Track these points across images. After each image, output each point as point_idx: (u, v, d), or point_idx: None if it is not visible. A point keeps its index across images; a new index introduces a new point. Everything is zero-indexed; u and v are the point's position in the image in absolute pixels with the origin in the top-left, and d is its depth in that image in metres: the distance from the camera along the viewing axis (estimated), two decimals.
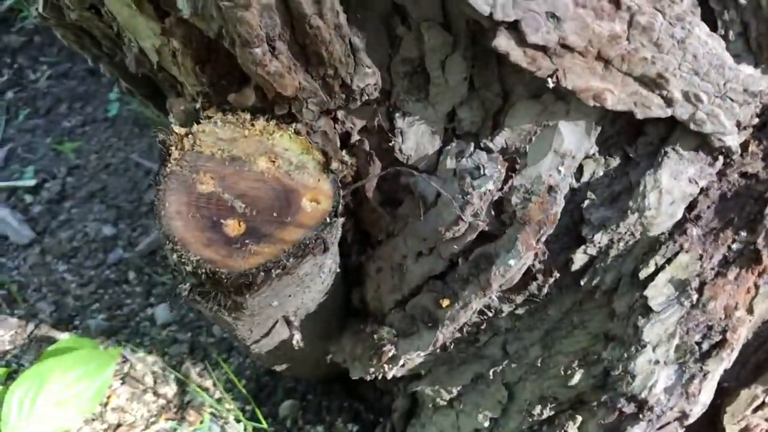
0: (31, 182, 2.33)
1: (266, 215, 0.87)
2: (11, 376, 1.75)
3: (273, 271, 0.85)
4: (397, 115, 0.95)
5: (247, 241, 0.85)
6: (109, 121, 2.57)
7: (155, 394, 1.69)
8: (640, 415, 0.86)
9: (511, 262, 0.87)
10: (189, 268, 0.84)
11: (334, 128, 0.97)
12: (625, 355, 0.86)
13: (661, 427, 0.86)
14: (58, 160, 2.43)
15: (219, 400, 1.65)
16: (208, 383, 1.69)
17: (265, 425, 1.56)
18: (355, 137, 1.00)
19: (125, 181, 2.33)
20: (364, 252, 1.16)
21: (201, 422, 1.59)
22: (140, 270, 2.03)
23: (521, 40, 0.76)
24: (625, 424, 0.86)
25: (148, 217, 2.19)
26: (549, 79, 0.80)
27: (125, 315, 1.91)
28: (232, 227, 0.86)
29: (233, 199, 0.88)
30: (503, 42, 0.77)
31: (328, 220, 0.87)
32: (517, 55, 0.78)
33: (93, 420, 1.64)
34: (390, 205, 1.07)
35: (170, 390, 1.70)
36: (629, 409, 0.86)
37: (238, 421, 1.58)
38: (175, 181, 0.88)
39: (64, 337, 1.85)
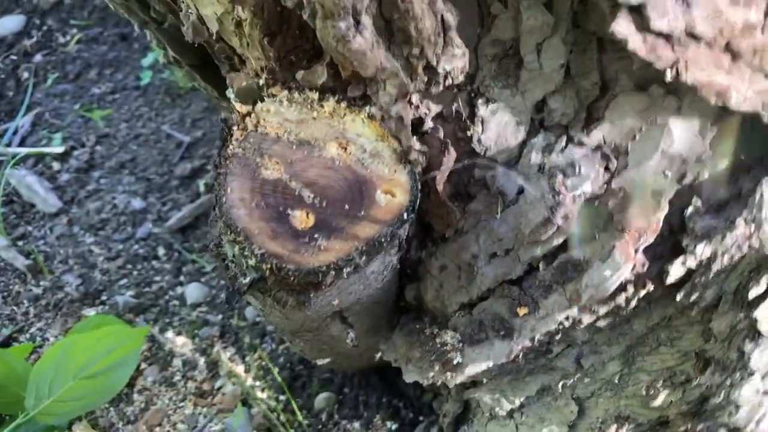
0: (59, 149, 2.26)
1: (337, 207, 0.79)
2: (36, 351, 1.70)
3: (344, 269, 0.77)
4: (479, 101, 0.86)
5: (316, 236, 0.77)
6: (140, 89, 2.49)
7: (184, 377, 1.63)
8: None
9: (607, 273, 0.78)
10: (252, 262, 0.77)
11: (410, 113, 0.88)
12: (728, 381, 0.78)
13: None
14: (87, 127, 2.36)
15: (251, 388, 1.58)
16: (240, 369, 1.63)
17: (300, 417, 1.49)
18: (429, 124, 0.92)
19: (156, 152, 2.26)
20: (424, 247, 1.08)
21: (233, 409, 1.52)
22: (170, 246, 1.97)
23: (644, 26, 0.67)
24: None
25: (178, 192, 2.12)
26: (668, 71, 0.71)
27: (154, 293, 1.85)
28: (300, 219, 0.78)
29: (301, 188, 0.80)
30: (623, 26, 0.68)
31: (404, 216, 0.79)
32: (636, 42, 0.69)
33: (119, 402, 1.58)
34: (460, 200, 0.98)
35: (200, 374, 1.63)
36: None
37: (271, 410, 1.51)
38: (238, 164, 0.80)
39: (90, 312, 1.79)
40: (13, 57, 2.64)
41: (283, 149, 0.82)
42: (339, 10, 0.71)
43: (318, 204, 0.79)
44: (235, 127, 0.83)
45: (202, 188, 2.10)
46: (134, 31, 2.72)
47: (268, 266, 0.76)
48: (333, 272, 0.76)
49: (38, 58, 2.64)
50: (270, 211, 0.78)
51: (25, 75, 2.57)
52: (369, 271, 0.85)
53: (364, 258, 0.77)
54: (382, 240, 0.78)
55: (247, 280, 0.81)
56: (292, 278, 0.76)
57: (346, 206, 0.79)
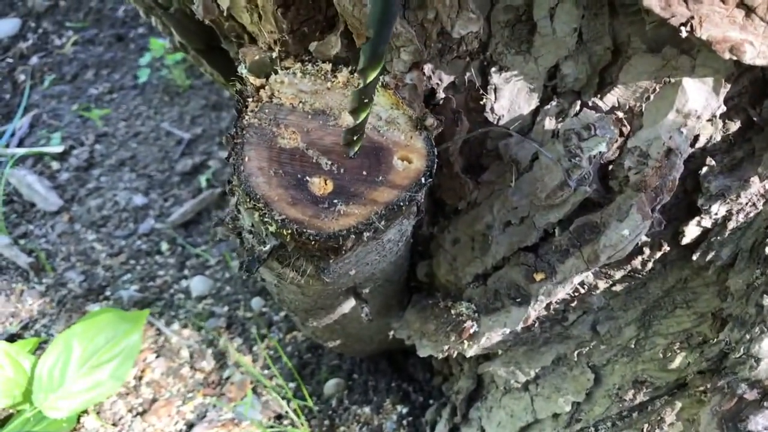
0: (59, 148, 2.25)
1: (355, 173, 0.79)
2: (41, 347, 1.69)
3: (364, 233, 0.77)
4: (492, 69, 0.87)
5: (335, 201, 0.77)
6: (137, 88, 2.49)
7: (192, 368, 1.63)
8: (765, 403, 0.78)
9: (626, 231, 0.79)
10: (272, 229, 0.77)
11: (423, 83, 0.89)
12: (748, 336, 0.79)
13: None
14: (85, 127, 2.36)
15: (260, 376, 1.58)
16: (248, 359, 1.62)
17: (310, 403, 1.49)
18: (441, 95, 0.92)
19: (156, 150, 2.25)
20: (436, 223, 1.08)
21: (242, 398, 1.52)
22: (173, 241, 1.96)
23: None
24: (747, 412, 0.78)
25: (180, 187, 2.12)
26: (683, 28, 0.71)
27: (158, 287, 1.84)
28: (318, 186, 0.78)
29: (318, 156, 0.80)
30: None
31: (422, 180, 0.79)
32: (651, 0, 0.70)
33: (127, 394, 1.58)
34: (472, 172, 0.99)
35: (208, 365, 1.63)
36: (752, 395, 0.78)
37: (283, 398, 1.51)
38: (254, 134, 0.80)
39: (94, 307, 1.79)
40: (9, 60, 2.64)
41: (298, 119, 0.82)
42: None
43: (336, 171, 0.79)
44: (249, 99, 0.84)
45: (203, 184, 2.10)
46: (130, 31, 2.73)
47: (289, 232, 0.76)
48: (353, 236, 0.76)
49: (34, 60, 2.63)
50: (288, 179, 0.78)
51: (22, 77, 2.57)
52: (386, 239, 0.85)
53: (383, 222, 0.77)
54: (401, 204, 0.78)
55: (267, 247, 0.81)
56: (312, 243, 0.76)
57: (364, 172, 0.79)
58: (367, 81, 0.66)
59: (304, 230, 0.76)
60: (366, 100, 0.70)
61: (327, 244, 0.78)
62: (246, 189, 0.77)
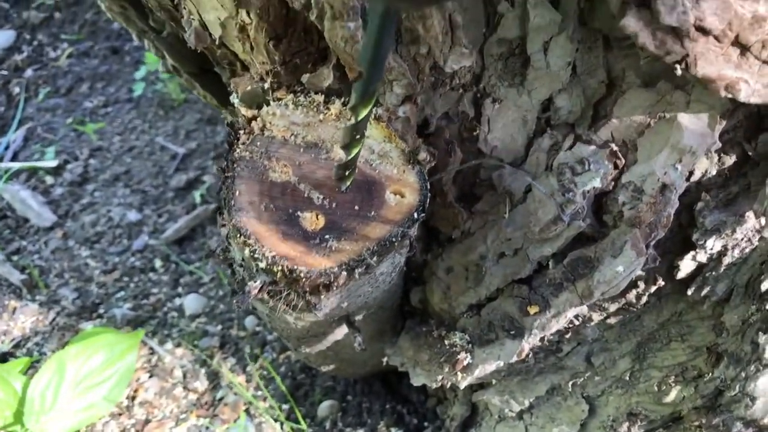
0: (53, 163, 2.24)
1: (347, 208, 0.79)
2: (34, 366, 1.68)
3: (356, 270, 0.76)
4: (486, 101, 0.87)
5: (327, 237, 0.76)
6: (132, 102, 2.48)
7: (185, 388, 1.61)
8: None
9: (620, 268, 0.78)
10: (262, 265, 0.76)
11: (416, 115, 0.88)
12: (743, 374, 0.78)
13: None
14: (80, 141, 2.35)
15: (253, 398, 1.56)
16: (241, 379, 1.61)
17: (304, 425, 1.48)
18: (434, 125, 0.92)
19: (150, 164, 2.24)
20: (429, 250, 1.07)
21: (235, 420, 1.51)
22: (167, 258, 1.95)
23: (653, 21, 0.68)
24: None
25: (174, 203, 2.11)
26: (677, 66, 0.71)
27: (152, 305, 1.83)
28: (310, 220, 0.77)
29: (310, 190, 0.79)
30: (632, 22, 0.68)
31: (415, 216, 0.79)
32: (645, 38, 0.69)
33: (120, 415, 1.56)
34: (465, 201, 0.98)
35: (201, 385, 1.62)
36: None
37: (275, 420, 1.50)
38: (246, 168, 0.80)
39: (87, 325, 1.77)
40: (4, 72, 2.63)
41: (290, 152, 0.81)
42: (348, 10, 0.71)
43: (327, 205, 0.78)
44: (241, 131, 0.83)
45: (198, 199, 2.09)
46: (125, 44, 2.72)
47: (280, 268, 0.75)
48: (345, 273, 0.76)
49: (29, 72, 2.62)
50: (279, 214, 0.77)
51: (17, 90, 2.56)
52: (378, 272, 0.85)
53: (375, 258, 0.77)
54: (393, 240, 0.77)
55: (257, 282, 0.80)
56: (303, 280, 0.76)
57: (356, 207, 0.79)
58: (359, 118, 0.65)
59: (295, 267, 0.75)
60: (358, 136, 0.69)
61: (318, 281, 0.77)
62: (236, 224, 0.76)
